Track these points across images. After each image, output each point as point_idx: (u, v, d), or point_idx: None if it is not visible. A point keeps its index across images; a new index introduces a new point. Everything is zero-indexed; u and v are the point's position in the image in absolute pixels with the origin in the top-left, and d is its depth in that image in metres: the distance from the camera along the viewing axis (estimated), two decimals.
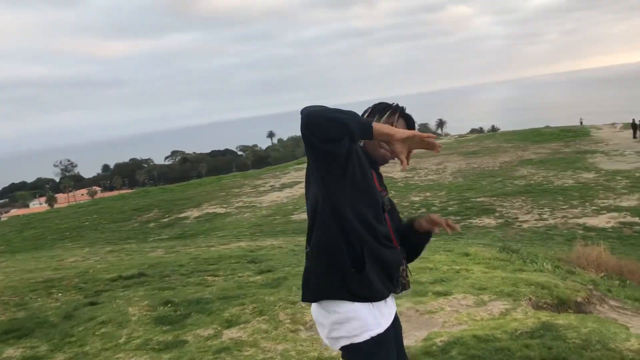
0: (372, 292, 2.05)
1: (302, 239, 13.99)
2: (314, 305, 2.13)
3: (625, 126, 41.66)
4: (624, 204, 21.32)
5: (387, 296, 2.15)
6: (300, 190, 28.19)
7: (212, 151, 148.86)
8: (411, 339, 4.11)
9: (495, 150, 38.67)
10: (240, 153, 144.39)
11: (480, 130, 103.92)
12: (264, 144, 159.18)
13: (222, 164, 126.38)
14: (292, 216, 23.55)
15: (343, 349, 2.07)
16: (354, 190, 2.03)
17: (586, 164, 30.07)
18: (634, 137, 37.19)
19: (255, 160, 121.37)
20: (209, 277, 7.28)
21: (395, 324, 2.24)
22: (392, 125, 2.12)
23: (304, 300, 2.17)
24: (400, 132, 1.90)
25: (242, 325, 5.04)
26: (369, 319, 2.03)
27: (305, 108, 1.92)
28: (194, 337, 4.88)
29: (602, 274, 7.93)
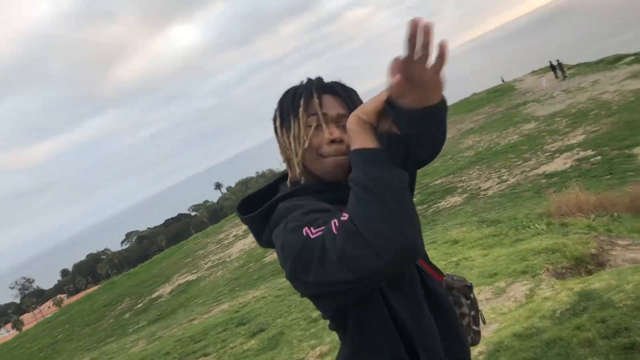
0: None
1: (284, 281, 13.34)
2: None
3: (545, 70, 42.89)
4: (572, 141, 21.64)
5: None
6: None
7: (165, 221, 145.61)
8: None
9: None
10: (194, 213, 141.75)
11: None
12: (214, 197, 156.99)
13: (179, 230, 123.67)
14: (265, 259, 22.79)
15: None
16: None
17: (523, 116, 30.63)
18: (556, 77, 38.27)
19: (211, 216, 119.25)
20: None
21: None
22: (317, 116, 1.30)
23: None
24: (372, 106, 1.11)
25: None
26: None
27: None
28: None
29: (593, 215, 7.68)
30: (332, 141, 1.28)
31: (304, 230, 1.06)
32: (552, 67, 38.92)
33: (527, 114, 30.97)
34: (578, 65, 40.85)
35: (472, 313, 1.51)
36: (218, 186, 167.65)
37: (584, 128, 22.53)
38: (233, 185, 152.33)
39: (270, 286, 12.78)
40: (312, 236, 1.03)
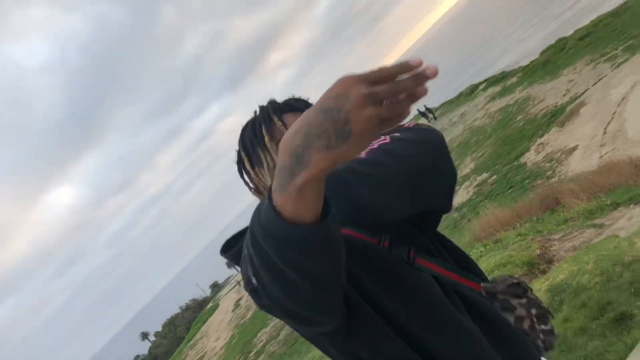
0: None
1: None
2: None
3: (417, 118, 45.84)
4: (466, 171, 22.90)
5: None
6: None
7: None
8: None
9: None
10: None
11: None
12: (143, 349, 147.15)
13: None
14: None
15: None
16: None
17: None
18: (428, 120, 40.96)
19: None
20: None
21: None
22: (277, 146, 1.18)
23: None
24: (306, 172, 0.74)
25: None
26: None
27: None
28: None
29: (517, 224, 8.04)
30: None
31: None
32: (422, 114, 41.67)
33: None
34: (442, 105, 44.08)
35: (534, 311, 1.28)
36: (145, 336, 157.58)
37: (471, 156, 23.99)
38: (160, 329, 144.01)
39: None
40: None
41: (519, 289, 1.29)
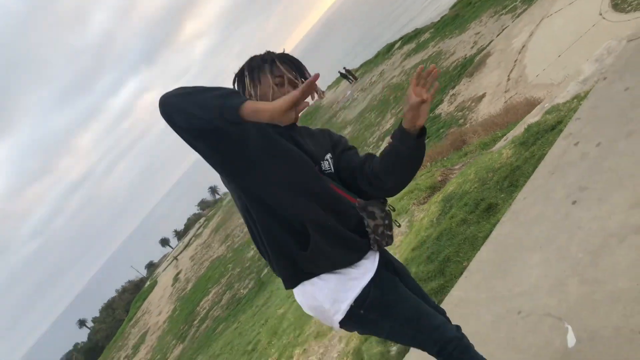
0: (326, 267, 1.80)
1: None
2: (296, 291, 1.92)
3: (338, 81, 46.49)
4: (387, 126, 24.02)
5: (354, 262, 1.82)
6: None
7: None
8: None
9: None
10: None
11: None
12: (82, 336, 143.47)
13: None
14: None
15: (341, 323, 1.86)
16: (263, 161, 1.69)
17: (339, 125, 33.02)
18: (350, 82, 41.81)
19: (89, 357, 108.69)
20: None
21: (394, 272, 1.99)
22: (276, 79, 1.85)
23: (286, 288, 1.94)
24: (277, 105, 1.41)
25: None
26: (338, 288, 1.81)
27: (162, 97, 1.55)
28: None
29: (428, 164, 8.92)
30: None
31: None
32: (343, 75, 42.45)
33: (341, 121, 33.45)
34: (362, 65, 45.02)
35: (386, 222, 1.87)
36: (82, 323, 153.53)
37: (391, 112, 25.08)
38: (97, 314, 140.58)
39: None
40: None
41: (384, 206, 1.92)
